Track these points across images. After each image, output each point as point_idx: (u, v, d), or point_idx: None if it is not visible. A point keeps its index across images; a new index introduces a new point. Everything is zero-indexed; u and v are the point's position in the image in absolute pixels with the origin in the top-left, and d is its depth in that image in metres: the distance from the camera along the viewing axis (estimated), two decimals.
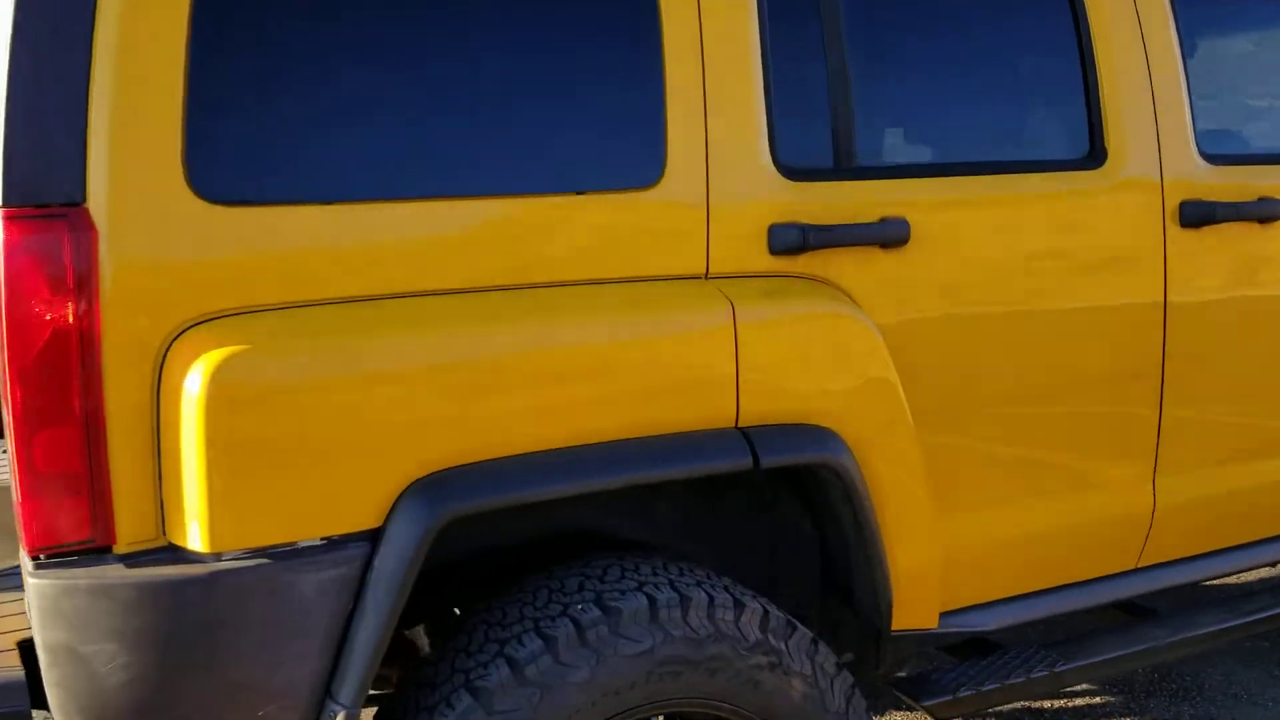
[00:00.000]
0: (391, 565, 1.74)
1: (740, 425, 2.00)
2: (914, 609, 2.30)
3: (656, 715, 2.00)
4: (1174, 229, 2.49)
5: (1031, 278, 2.36)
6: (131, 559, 1.71)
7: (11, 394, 1.66)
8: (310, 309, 1.77)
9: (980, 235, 2.30)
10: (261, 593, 1.71)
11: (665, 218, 2.03)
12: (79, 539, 1.71)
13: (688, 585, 1.97)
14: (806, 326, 2.07)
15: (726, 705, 1.98)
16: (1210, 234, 2.53)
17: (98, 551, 1.71)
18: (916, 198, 2.23)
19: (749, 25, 2.11)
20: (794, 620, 2.06)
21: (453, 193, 1.89)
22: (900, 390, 2.15)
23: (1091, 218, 2.42)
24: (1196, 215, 2.49)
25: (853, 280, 2.17)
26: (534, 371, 1.86)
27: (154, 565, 1.70)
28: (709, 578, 2.04)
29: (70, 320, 1.66)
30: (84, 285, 1.67)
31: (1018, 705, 3.37)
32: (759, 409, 2.02)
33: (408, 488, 1.77)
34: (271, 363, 1.70)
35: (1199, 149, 2.53)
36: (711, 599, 1.96)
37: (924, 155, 2.36)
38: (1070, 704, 3.45)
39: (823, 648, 2.08)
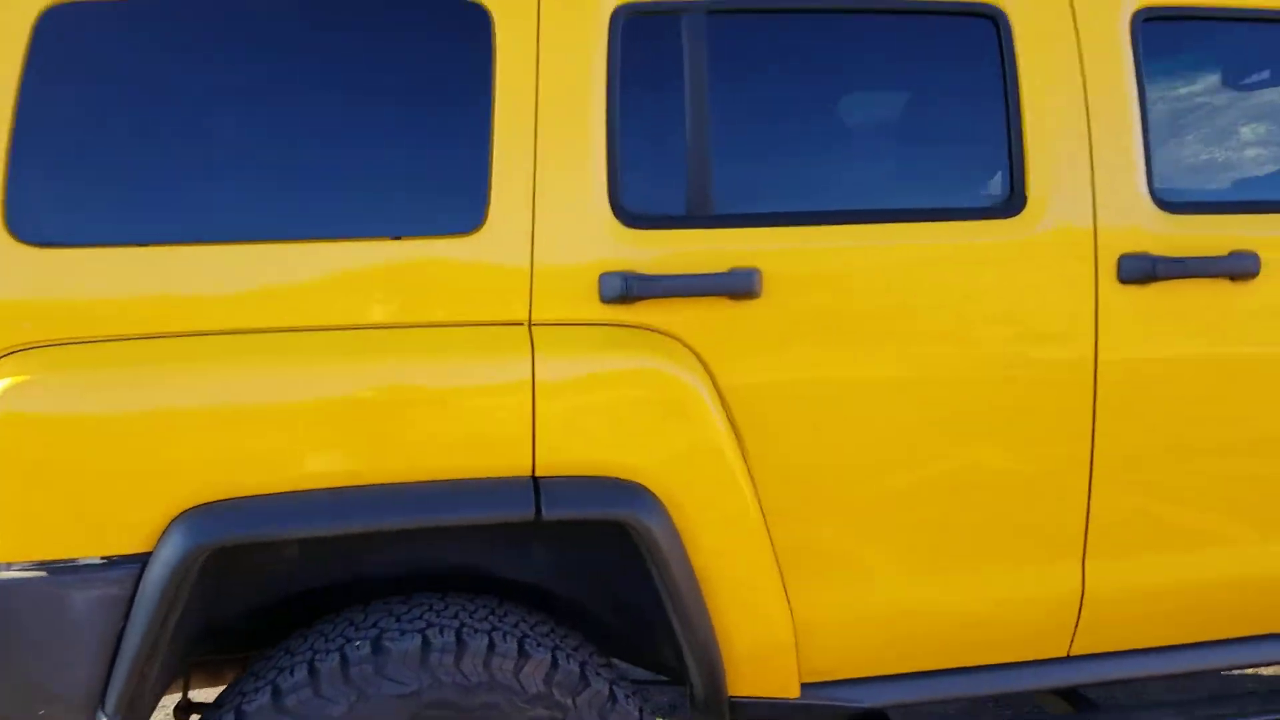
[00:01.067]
0: (152, 588, 1.85)
1: (536, 474, 1.99)
2: (763, 676, 2.20)
3: None
4: (1110, 287, 2.24)
5: (918, 338, 2.18)
6: None
7: None
8: (102, 345, 1.91)
9: (851, 290, 2.15)
10: (39, 602, 1.87)
11: (485, 264, 2.04)
12: None
13: (474, 631, 1.98)
14: (617, 379, 2.02)
15: None
16: (1160, 293, 2.26)
17: None
18: (775, 248, 2.13)
19: (593, 74, 2.09)
20: (591, 675, 2.02)
21: (262, 236, 1.98)
22: (728, 450, 2.07)
23: (1002, 273, 2.21)
24: (1139, 271, 2.23)
25: (698, 333, 2.10)
26: (315, 411, 1.93)
27: None
28: (514, 625, 2.04)
29: None
30: None
31: None
32: (559, 460, 2.00)
33: (177, 516, 1.88)
34: (53, 392, 1.86)
35: (1153, 195, 2.26)
36: (492, 646, 1.96)
37: (793, 204, 2.22)
38: None
39: (622, 706, 2.03)
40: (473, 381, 1.98)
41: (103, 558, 1.88)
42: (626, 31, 2.12)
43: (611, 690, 2.03)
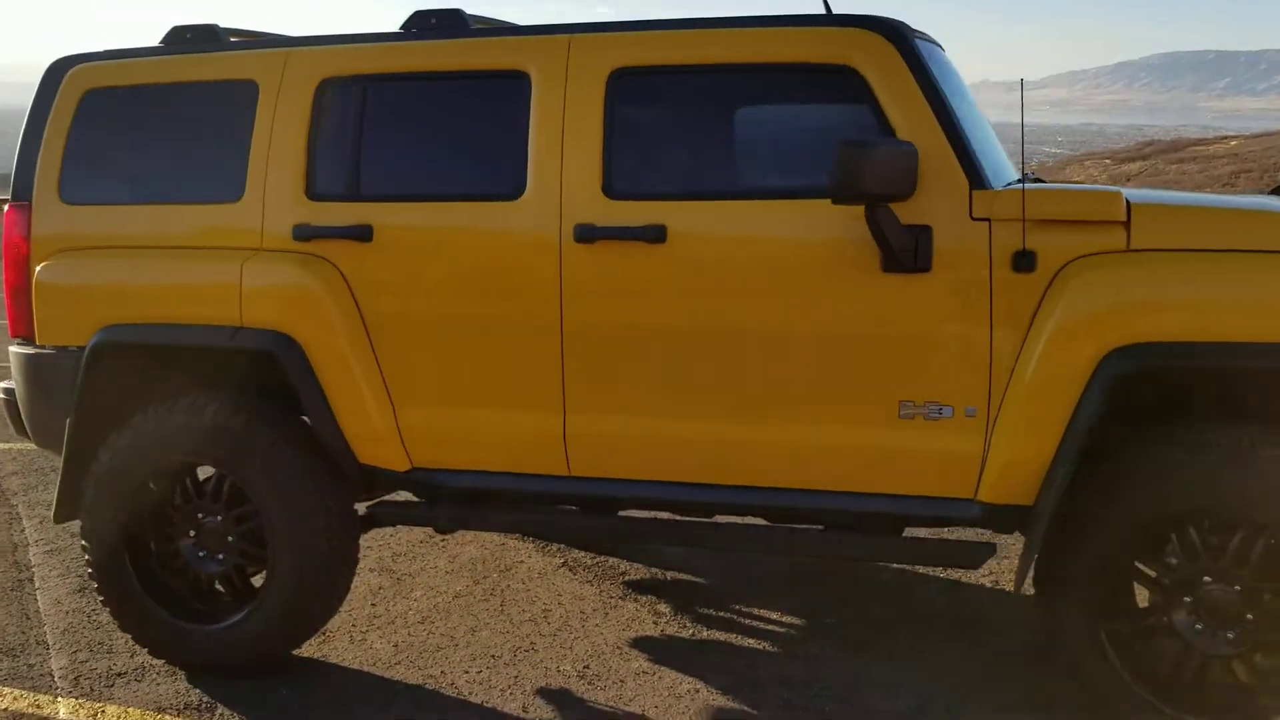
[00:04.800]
0: (84, 362, 4.03)
1: (242, 325, 3.90)
2: (379, 455, 3.92)
3: (197, 462, 4.01)
4: (569, 244, 3.63)
5: (462, 263, 3.74)
6: (36, 345, 4.25)
7: (5, 277, 4.29)
8: (85, 251, 4.13)
9: (419, 239, 3.78)
10: (54, 364, 4.15)
11: (239, 217, 3.98)
12: (26, 334, 4.29)
13: (220, 406, 3.94)
14: (278, 278, 3.86)
15: (222, 463, 3.93)
16: (601, 249, 3.60)
17: (31, 340, 4.28)
18: (385, 213, 3.82)
19: (304, 121, 3.93)
20: (266, 432, 3.89)
21: (156, 200, 4.10)
22: (345, 320, 3.81)
23: (509, 230, 3.70)
24: (586, 234, 3.59)
25: (342, 259, 3.87)
26: (153, 285, 4.00)
27: (34, 348, 4.23)
28: (248, 407, 3.97)
29: (25, 245, 4.25)
30: (28, 234, 4.24)
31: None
32: (253, 318, 3.89)
33: (98, 329, 4.04)
34: (59, 267, 4.11)
35: (607, 188, 3.60)
36: (219, 411, 3.91)
37: (398, 190, 3.86)
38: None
39: (280, 452, 3.87)
40: (220, 276, 3.93)
41: (75, 346, 4.11)
42: (325, 95, 3.92)
43: (275, 440, 3.89)
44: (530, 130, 3.71)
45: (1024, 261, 3.27)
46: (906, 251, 3.30)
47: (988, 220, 3.31)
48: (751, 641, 4.29)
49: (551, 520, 4.05)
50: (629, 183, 3.65)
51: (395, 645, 4.33)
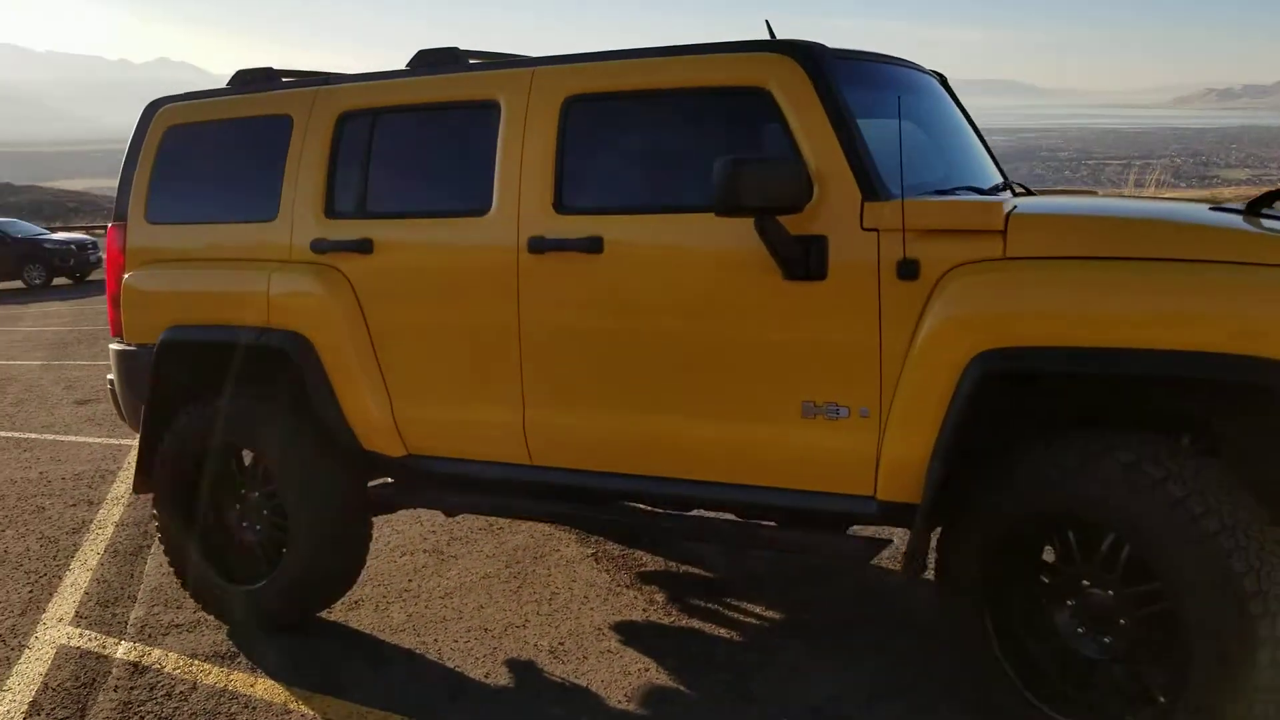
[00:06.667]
0: (158, 353, 4.75)
1: (269, 326, 4.51)
2: (380, 442, 4.44)
3: (236, 445, 4.65)
4: (524, 254, 4.03)
5: (442, 272, 4.21)
6: (126, 343, 5.03)
7: (108, 285, 5.11)
8: (170, 261, 4.87)
9: (412, 249, 4.28)
10: (137, 358, 4.91)
11: (274, 234, 4.60)
12: (118, 333, 5.09)
13: (250, 397, 4.57)
14: (296, 286, 4.44)
15: (251, 446, 4.54)
16: (549, 258, 3.98)
17: (123, 338, 5.08)
18: (383, 229, 4.35)
19: (326, 149, 4.51)
20: (286, 420, 4.48)
21: (213, 220, 4.79)
22: (350, 323, 4.36)
23: (478, 242, 4.14)
24: (537, 246, 3.99)
25: (349, 268, 4.43)
26: (206, 292, 4.68)
27: (124, 345, 5.01)
28: (270, 397, 4.58)
29: (121, 258, 5.05)
30: (123, 248, 5.04)
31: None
32: (277, 321, 4.49)
33: (165, 329, 4.76)
34: (139, 276, 4.87)
35: (556, 203, 3.98)
36: (248, 401, 4.54)
37: (396, 208, 4.36)
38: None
39: (297, 438, 4.46)
40: (253, 285, 4.57)
41: (150, 343, 4.85)
42: (342, 126, 4.49)
43: (293, 427, 4.47)
44: (497, 152, 4.14)
45: (907, 270, 3.42)
46: (796, 260, 3.51)
47: (876, 230, 3.48)
48: (722, 630, 4.54)
49: (518, 505, 4.44)
50: (575, 198, 4.02)
51: (409, 615, 4.84)
